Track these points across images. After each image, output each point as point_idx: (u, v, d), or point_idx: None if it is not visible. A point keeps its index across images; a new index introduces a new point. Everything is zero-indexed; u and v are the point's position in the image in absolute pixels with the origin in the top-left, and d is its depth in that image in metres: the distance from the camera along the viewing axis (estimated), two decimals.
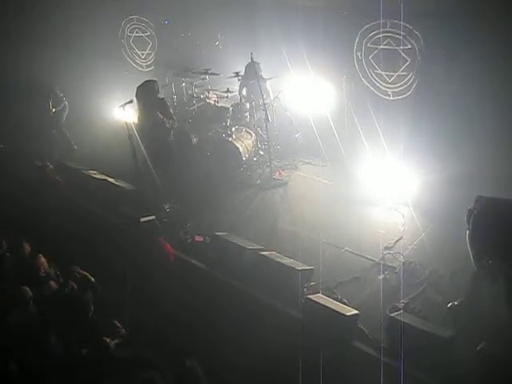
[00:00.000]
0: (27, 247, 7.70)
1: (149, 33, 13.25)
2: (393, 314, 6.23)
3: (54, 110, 11.81)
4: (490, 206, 5.97)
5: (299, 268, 7.10)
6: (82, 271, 7.11)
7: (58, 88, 11.95)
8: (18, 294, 6.44)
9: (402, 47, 8.83)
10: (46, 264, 7.26)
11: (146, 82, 9.11)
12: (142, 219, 8.58)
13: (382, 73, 9.30)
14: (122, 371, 5.48)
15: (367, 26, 9.17)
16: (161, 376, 5.20)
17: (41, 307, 6.49)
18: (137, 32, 13.47)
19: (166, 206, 9.15)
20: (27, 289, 6.51)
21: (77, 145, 12.26)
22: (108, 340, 5.97)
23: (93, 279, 7.02)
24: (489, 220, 5.90)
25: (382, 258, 7.67)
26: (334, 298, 6.80)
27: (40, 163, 10.22)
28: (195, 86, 11.28)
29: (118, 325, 6.30)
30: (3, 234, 7.95)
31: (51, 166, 10.05)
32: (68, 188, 9.98)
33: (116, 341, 6.06)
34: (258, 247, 7.80)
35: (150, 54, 13.46)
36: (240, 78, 10.80)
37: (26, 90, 11.94)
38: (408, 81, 9.01)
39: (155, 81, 9.29)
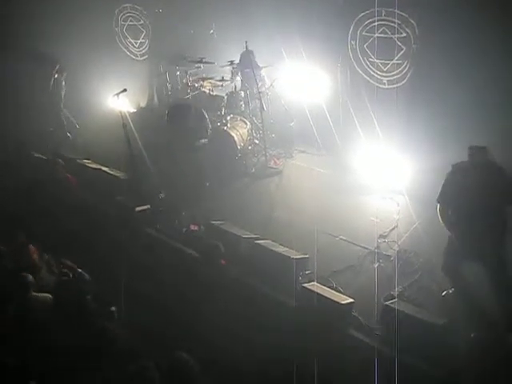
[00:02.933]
0: (22, 237, 7.67)
1: (142, 21, 13.17)
2: (388, 302, 6.25)
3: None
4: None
5: (294, 256, 7.10)
6: (69, 263, 7.10)
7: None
8: (19, 281, 6.42)
9: (397, 35, 8.81)
10: (35, 253, 7.23)
11: None
12: (137, 208, 8.59)
13: (377, 61, 9.28)
14: (117, 360, 5.49)
15: (362, 14, 9.14)
16: (155, 366, 5.21)
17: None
18: (130, 21, 13.38)
19: (161, 195, 9.14)
20: (28, 275, 6.51)
21: (71, 134, 12.23)
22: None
23: (80, 270, 7.00)
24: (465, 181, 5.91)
25: (377, 247, 7.70)
26: (329, 287, 6.82)
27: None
28: (190, 75, 11.25)
29: (114, 308, 6.30)
30: None
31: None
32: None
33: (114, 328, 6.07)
34: (253, 236, 7.81)
35: (144, 42, 13.39)
36: (235, 66, 10.78)
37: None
38: (403, 69, 8.99)
39: None
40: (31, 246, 7.24)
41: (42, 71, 11.83)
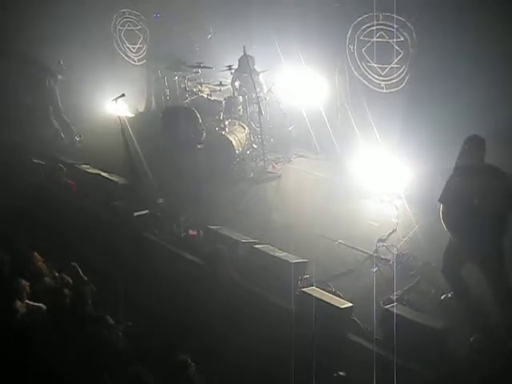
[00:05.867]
0: (21, 243, 7.66)
1: (140, 26, 13.18)
2: (387, 306, 6.25)
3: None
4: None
5: (293, 261, 7.10)
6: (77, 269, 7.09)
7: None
8: (14, 287, 6.41)
9: (395, 40, 8.81)
10: (39, 260, 7.23)
11: None
12: (136, 213, 8.58)
13: (375, 65, 9.28)
14: (114, 366, 5.49)
15: (360, 18, 9.14)
16: (149, 371, 5.20)
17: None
18: (128, 26, 13.38)
19: (160, 200, 9.13)
20: (23, 281, 6.49)
21: (69, 139, 12.23)
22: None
23: (85, 277, 7.00)
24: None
25: (376, 251, 7.70)
26: (328, 291, 6.81)
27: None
28: (188, 80, 11.25)
29: (111, 321, 6.29)
30: None
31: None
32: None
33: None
34: (252, 240, 7.80)
35: (142, 47, 13.39)
36: (233, 71, 10.79)
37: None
38: (401, 73, 9.00)
39: None
40: (36, 254, 7.24)
41: (36, 77, 11.81)
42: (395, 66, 9.02)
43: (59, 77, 11.91)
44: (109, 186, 9.52)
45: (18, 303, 6.31)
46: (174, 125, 9.82)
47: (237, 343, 6.19)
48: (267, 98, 10.77)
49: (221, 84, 10.93)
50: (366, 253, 7.72)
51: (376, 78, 9.36)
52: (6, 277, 6.87)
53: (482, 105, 7.74)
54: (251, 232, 8.17)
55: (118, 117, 8.69)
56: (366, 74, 9.47)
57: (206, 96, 10.99)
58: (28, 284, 6.54)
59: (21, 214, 8.90)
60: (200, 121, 9.81)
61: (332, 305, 6.31)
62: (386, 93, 9.29)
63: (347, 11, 9.30)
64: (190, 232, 8.46)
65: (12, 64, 12.13)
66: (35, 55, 11.68)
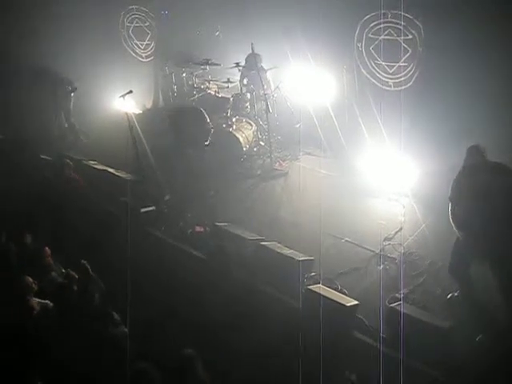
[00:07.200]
0: (29, 237, 7.70)
1: (148, 23, 13.19)
2: (392, 305, 6.26)
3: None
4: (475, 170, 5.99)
5: (300, 258, 7.11)
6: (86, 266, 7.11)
7: (66, 76, 11.93)
8: (20, 285, 6.43)
9: (403, 37, 8.79)
10: (48, 256, 7.26)
11: None
12: (143, 209, 8.60)
13: (383, 63, 9.27)
14: (117, 361, 5.52)
15: (368, 16, 9.13)
16: (154, 367, 5.22)
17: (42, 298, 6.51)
18: (136, 22, 13.40)
19: (166, 197, 9.15)
20: (29, 279, 6.51)
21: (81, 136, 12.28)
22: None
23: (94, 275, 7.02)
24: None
25: (382, 249, 7.68)
26: (334, 289, 6.82)
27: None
28: (196, 77, 11.27)
29: (117, 316, 6.30)
30: (4, 225, 7.97)
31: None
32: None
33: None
34: (259, 237, 7.82)
35: (150, 44, 13.40)
36: (241, 68, 10.79)
37: (33, 77, 11.93)
38: (409, 71, 8.98)
39: None
40: (46, 249, 7.27)
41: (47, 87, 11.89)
42: (403, 63, 9.00)
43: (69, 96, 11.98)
44: (116, 182, 9.55)
45: (25, 300, 6.33)
46: (181, 126, 9.83)
47: (243, 339, 6.20)
48: (275, 96, 10.77)
49: (229, 81, 10.94)
50: (372, 251, 7.70)
51: (384, 76, 9.35)
52: (12, 267, 6.92)
53: (489, 102, 7.74)
54: (258, 229, 8.18)
55: (126, 113, 8.72)
56: (374, 71, 9.46)
57: (213, 93, 11.00)
58: (35, 281, 6.56)
59: (28, 209, 8.93)
60: (208, 120, 9.79)
61: (338, 302, 6.32)
62: (393, 91, 9.27)
63: (355, 9, 9.29)
64: (197, 229, 8.47)
65: (25, 75, 12.19)
66: (47, 66, 11.72)
